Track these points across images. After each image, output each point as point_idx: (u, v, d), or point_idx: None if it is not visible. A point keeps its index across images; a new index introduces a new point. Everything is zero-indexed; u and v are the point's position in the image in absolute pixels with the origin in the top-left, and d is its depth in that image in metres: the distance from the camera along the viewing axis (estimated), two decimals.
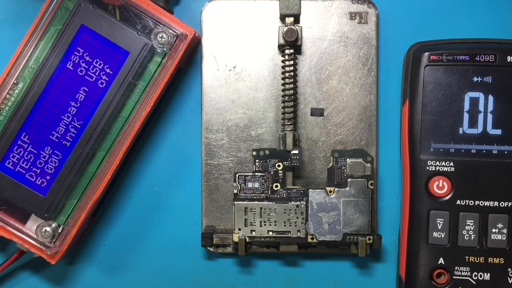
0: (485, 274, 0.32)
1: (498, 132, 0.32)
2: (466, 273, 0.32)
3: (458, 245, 0.32)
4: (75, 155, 0.31)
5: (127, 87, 0.31)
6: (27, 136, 0.31)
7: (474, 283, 0.32)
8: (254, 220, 0.32)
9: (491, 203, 0.32)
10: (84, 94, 0.31)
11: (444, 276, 0.33)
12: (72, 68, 0.31)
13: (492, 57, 0.32)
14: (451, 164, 0.32)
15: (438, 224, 0.32)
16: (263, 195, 0.32)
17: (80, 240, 0.35)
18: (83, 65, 0.31)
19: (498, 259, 0.32)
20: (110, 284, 0.35)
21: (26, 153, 0.32)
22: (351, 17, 0.34)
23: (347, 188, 0.32)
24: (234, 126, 0.34)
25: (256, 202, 0.32)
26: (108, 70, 0.31)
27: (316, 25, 0.34)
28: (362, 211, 0.32)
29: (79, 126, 0.31)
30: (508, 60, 0.32)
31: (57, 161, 0.32)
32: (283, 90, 0.33)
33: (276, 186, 0.32)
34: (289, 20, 0.32)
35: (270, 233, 0.32)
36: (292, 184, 0.33)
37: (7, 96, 0.31)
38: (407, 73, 0.33)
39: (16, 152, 0.32)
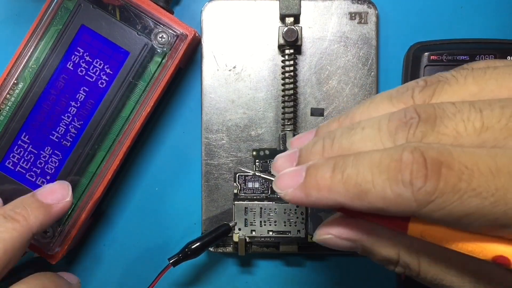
0: None
1: None
2: None
3: None
4: (75, 155, 0.31)
5: (127, 87, 0.31)
6: (27, 136, 0.31)
7: None
8: (254, 220, 0.32)
9: None
10: (84, 94, 0.31)
11: None
12: (72, 68, 0.31)
13: (492, 57, 0.32)
14: None
15: None
16: (263, 195, 0.32)
17: (80, 240, 0.35)
18: (83, 65, 0.31)
19: None
20: (110, 284, 0.35)
21: (26, 153, 0.32)
22: (351, 17, 0.34)
23: None
24: (234, 126, 0.34)
25: (256, 202, 0.32)
26: (108, 70, 0.31)
27: (316, 25, 0.34)
28: None
29: (79, 126, 0.31)
30: None
31: (57, 161, 0.32)
32: (283, 90, 0.33)
33: None
34: (289, 20, 0.32)
35: (270, 233, 0.32)
36: None
37: (7, 96, 0.31)
38: (407, 73, 0.33)
39: (16, 152, 0.32)
